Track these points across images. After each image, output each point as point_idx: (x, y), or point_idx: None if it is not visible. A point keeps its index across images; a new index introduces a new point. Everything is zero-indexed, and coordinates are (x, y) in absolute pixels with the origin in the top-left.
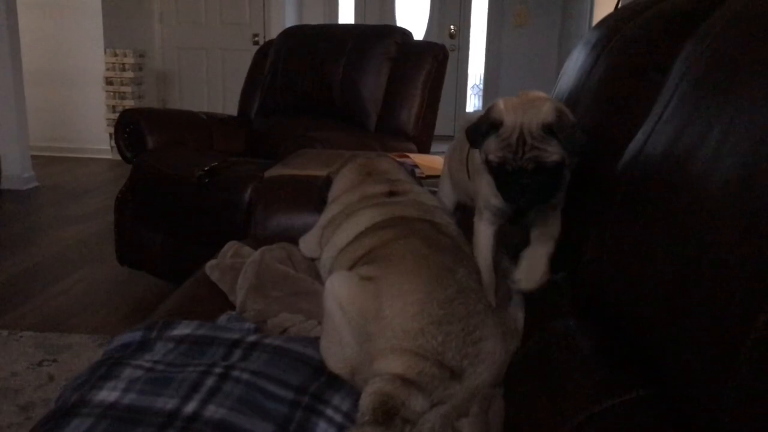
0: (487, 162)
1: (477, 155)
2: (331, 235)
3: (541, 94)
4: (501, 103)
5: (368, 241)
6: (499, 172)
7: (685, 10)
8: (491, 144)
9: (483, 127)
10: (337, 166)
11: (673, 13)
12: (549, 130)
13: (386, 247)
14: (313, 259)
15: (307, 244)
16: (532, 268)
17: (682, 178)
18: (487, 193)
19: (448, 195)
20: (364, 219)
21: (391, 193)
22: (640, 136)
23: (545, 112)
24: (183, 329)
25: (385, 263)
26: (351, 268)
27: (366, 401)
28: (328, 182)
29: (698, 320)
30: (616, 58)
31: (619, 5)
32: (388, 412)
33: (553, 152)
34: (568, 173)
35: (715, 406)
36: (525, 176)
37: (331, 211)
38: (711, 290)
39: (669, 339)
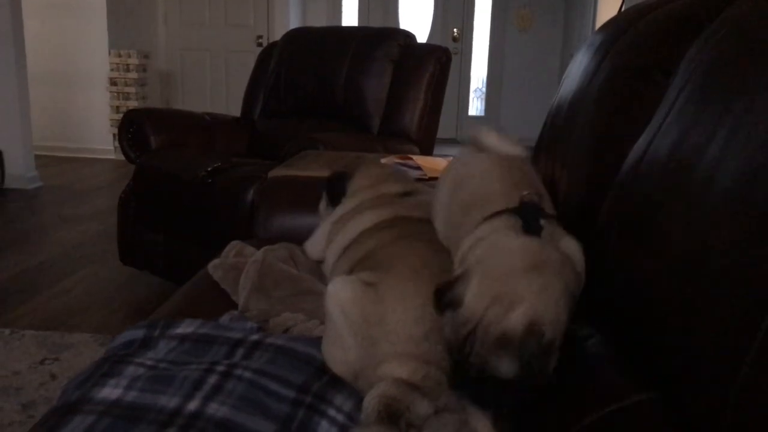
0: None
1: None
2: (336, 233)
3: (550, 268)
4: (474, 281)
5: (368, 243)
6: None
7: (690, 13)
8: (447, 319)
9: (447, 297)
10: (354, 163)
11: (678, 15)
12: (506, 343)
13: (385, 250)
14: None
15: (314, 245)
16: None
17: (687, 179)
18: None
19: None
20: (366, 219)
21: (406, 194)
22: (644, 138)
23: (513, 321)
24: (186, 327)
25: (385, 267)
26: (351, 270)
27: (372, 404)
28: (343, 177)
29: (703, 323)
30: (619, 60)
31: (623, 8)
32: (393, 414)
33: (504, 369)
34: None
35: (719, 409)
36: (470, 378)
37: (345, 206)
38: (716, 292)
39: (674, 341)
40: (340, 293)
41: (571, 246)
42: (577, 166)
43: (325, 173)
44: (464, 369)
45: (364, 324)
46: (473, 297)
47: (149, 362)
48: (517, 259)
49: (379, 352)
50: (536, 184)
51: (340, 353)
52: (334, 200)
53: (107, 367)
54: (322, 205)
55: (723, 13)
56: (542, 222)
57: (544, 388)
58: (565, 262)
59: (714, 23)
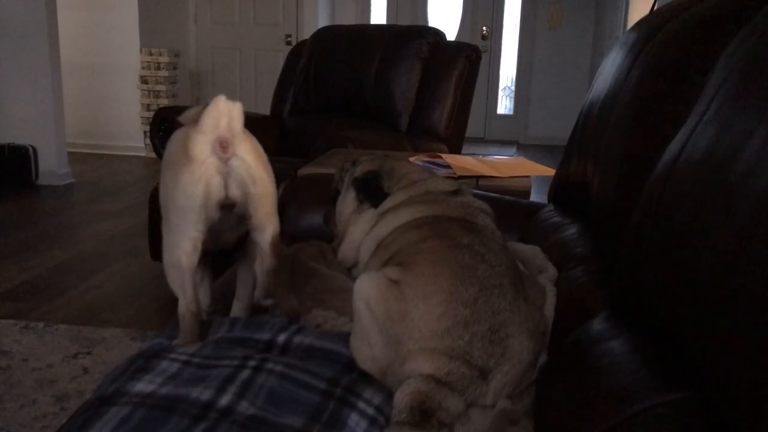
0: None
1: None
2: (375, 226)
3: None
4: None
5: (400, 240)
6: None
7: (727, 11)
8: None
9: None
10: (389, 160)
11: (714, 13)
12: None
13: (409, 250)
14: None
15: (352, 244)
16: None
17: (722, 179)
18: None
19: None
20: (400, 217)
21: (454, 192)
22: (679, 138)
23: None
24: (221, 331)
25: (408, 267)
26: (384, 265)
27: (404, 400)
28: (376, 175)
29: (739, 323)
30: (654, 59)
31: (656, 6)
32: (425, 412)
33: None
34: None
35: (757, 410)
36: None
37: (393, 200)
38: (751, 293)
39: (709, 341)
40: (366, 290)
41: None
42: (610, 167)
43: None
44: None
45: (388, 321)
46: None
47: (183, 357)
48: None
49: (403, 349)
50: None
51: (367, 349)
52: (373, 198)
53: (142, 362)
54: (347, 205)
55: (761, 11)
56: None
57: None
58: None
59: (752, 21)
